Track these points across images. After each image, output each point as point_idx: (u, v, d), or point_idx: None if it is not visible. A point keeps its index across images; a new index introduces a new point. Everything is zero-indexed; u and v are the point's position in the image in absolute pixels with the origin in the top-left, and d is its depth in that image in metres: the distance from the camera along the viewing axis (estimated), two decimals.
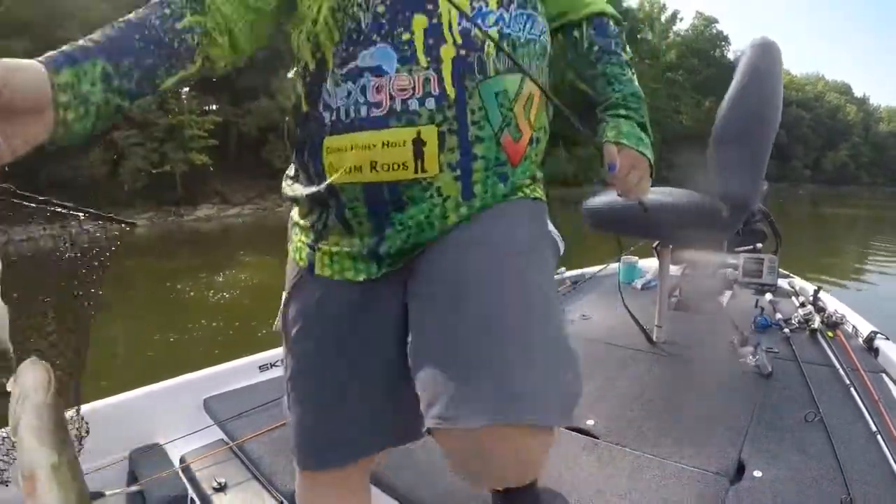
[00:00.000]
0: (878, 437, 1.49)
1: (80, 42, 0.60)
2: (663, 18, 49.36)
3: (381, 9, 0.70)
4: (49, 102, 0.54)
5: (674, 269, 2.54)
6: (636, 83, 0.87)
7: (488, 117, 0.72)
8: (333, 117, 0.74)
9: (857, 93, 76.58)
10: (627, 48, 0.90)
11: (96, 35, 0.61)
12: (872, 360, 2.02)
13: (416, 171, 0.71)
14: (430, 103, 0.69)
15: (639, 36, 47.39)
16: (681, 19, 51.48)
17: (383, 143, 0.70)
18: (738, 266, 2.94)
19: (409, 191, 0.73)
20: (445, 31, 0.69)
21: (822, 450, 1.47)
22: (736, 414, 1.66)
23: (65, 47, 0.58)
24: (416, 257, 0.78)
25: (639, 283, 3.09)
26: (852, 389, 1.74)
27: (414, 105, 0.69)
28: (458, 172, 0.72)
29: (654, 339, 2.29)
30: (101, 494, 1.21)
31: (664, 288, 2.30)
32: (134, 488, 1.24)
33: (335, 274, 0.81)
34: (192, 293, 8.10)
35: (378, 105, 0.70)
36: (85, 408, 1.45)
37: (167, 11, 0.66)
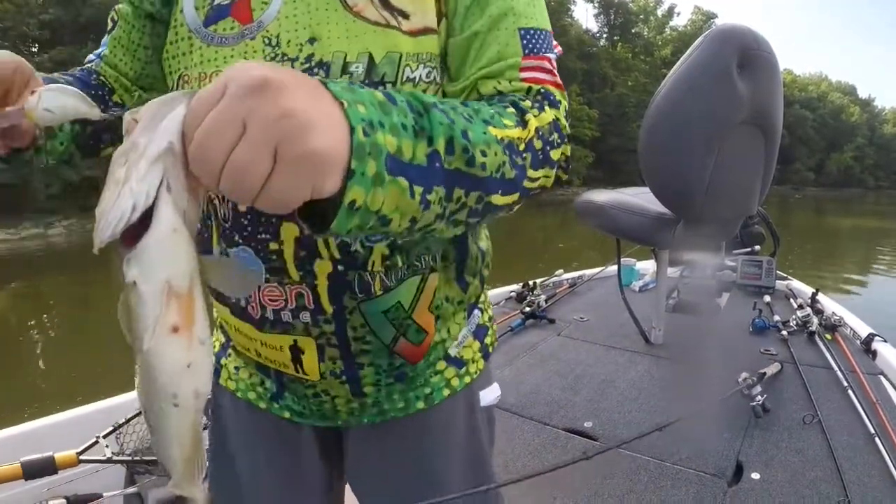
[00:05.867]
0: (876, 439, 1.49)
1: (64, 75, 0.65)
2: (659, 13, 49.40)
3: (242, 207, 0.57)
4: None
5: (672, 272, 2.55)
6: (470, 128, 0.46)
7: (375, 333, 0.62)
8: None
9: (863, 94, 76.47)
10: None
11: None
12: (870, 362, 2.02)
13: (296, 372, 0.64)
14: (305, 316, 0.60)
15: (633, 30, 47.43)
16: (678, 14, 51.25)
17: (262, 342, 0.64)
18: (736, 268, 2.95)
19: (293, 384, 0.67)
20: (320, 244, 0.57)
21: (820, 452, 1.47)
22: (734, 416, 1.66)
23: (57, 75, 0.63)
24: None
25: (636, 286, 3.10)
26: (850, 391, 1.74)
27: (287, 317, 0.60)
28: (344, 378, 0.64)
29: (652, 340, 2.29)
30: (98, 496, 1.21)
31: (662, 290, 2.30)
32: (132, 490, 1.25)
33: (239, 392, 0.73)
34: None
35: (250, 308, 0.62)
36: (83, 410, 1.47)
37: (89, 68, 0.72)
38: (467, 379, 0.71)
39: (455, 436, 0.72)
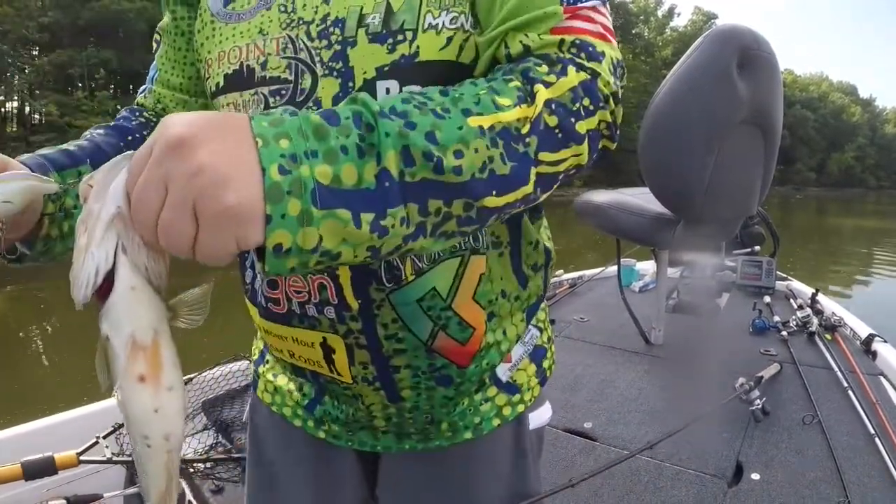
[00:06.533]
0: (876, 439, 1.49)
1: (66, 146, 0.55)
2: (660, 14, 49.42)
3: None
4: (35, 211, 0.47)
5: (671, 272, 2.55)
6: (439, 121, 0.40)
7: (409, 328, 0.55)
8: (248, 287, 0.65)
9: (863, 94, 76.34)
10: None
11: (82, 140, 0.58)
12: (870, 362, 2.02)
13: (331, 373, 0.60)
14: (330, 312, 0.55)
15: (633, 31, 47.39)
16: (678, 15, 51.28)
17: (293, 339, 0.60)
18: (736, 268, 2.95)
19: (331, 385, 0.62)
20: None
21: (820, 452, 1.47)
22: (733, 416, 1.66)
23: (44, 151, 0.54)
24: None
25: (636, 286, 3.10)
26: (850, 392, 1.74)
27: (312, 311, 0.56)
28: (378, 385, 0.58)
29: (652, 341, 2.29)
30: (99, 496, 1.21)
31: (662, 290, 2.30)
32: (132, 490, 1.25)
33: (274, 406, 0.70)
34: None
35: (276, 302, 0.58)
36: (83, 411, 1.47)
37: (142, 119, 0.67)
38: (521, 408, 0.64)
39: (501, 465, 0.66)
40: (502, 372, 0.63)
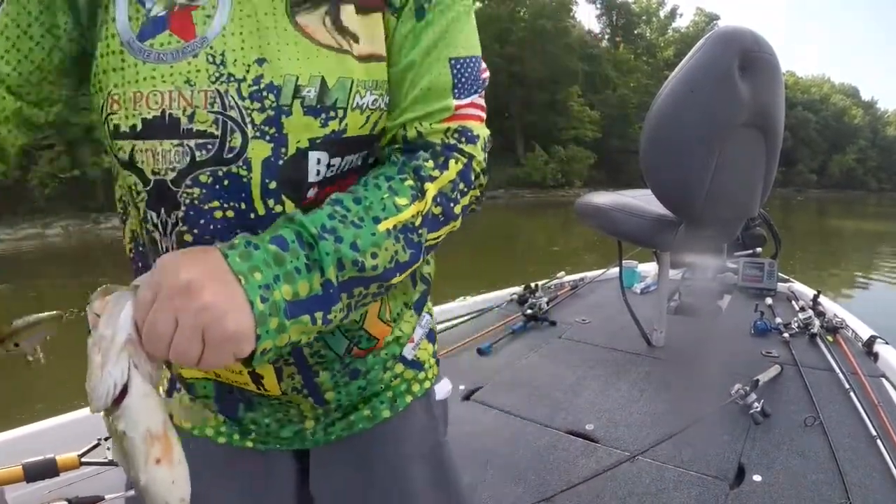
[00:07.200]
0: (878, 441, 1.49)
1: None
2: (662, 14, 49.48)
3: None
4: None
5: (673, 274, 2.54)
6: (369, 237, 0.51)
7: (330, 347, 0.62)
8: None
9: (865, 96, 76.27)
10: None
11: None
12: (872, 364, 2.02)
13: (258, 390, 0.64)
14: None
15: (635, 31, 47.46)
16: (680, 15, 51.46)
17: (216, 373, 0.64)
18: (738, 270, 2.94)
19: (257, 398, 0.66)
20: None
21: (822, 454, 1.47)
22: (735, 418, 1.66)
23: None
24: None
25: (638, 288, 3.10)
26: (852, 394, 1.74)
27: None
28: (305, 392, 0.64)
29: (654, 342, 2.29)
30: (100, 498, 1.21)
31: (663, 292, 2.30)
32: (133, 492, 1.25)
33: (196, 430, 0.69)
34: None
35: None
36: (84, 413, 1.47)
37: None
38: (427, 384, 0.74)
39: (418, 435, 0.73)
40: (408, 351, 0.72)
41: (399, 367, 0.71)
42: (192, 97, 0.51)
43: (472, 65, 0.60)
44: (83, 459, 1.18)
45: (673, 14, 50.20)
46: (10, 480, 1.10)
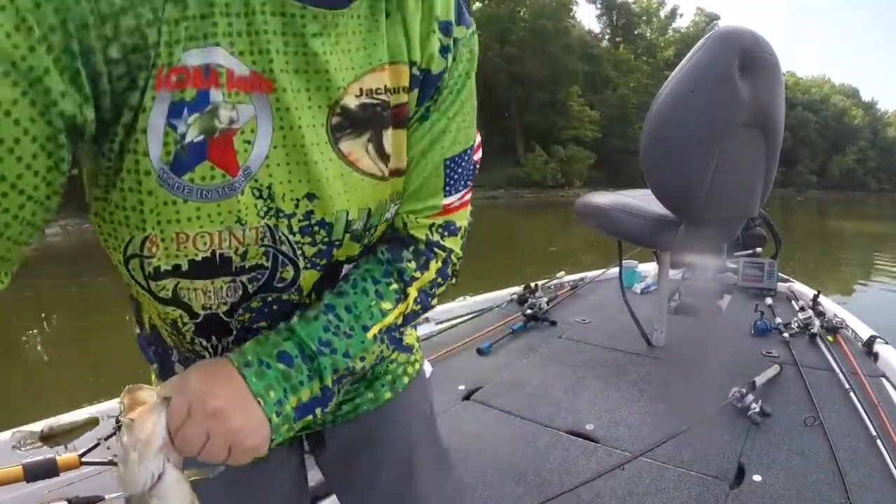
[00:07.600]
0: (878, 441, 1.49)
1: None
2: (662, 14, 49.48)
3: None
4: None
5: (673, 274, 2.55)
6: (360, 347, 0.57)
7: None
8: (165, 368, 0.69)
9: (865, 97, 76.19)
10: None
11: None
12: (872, 364, 2.02)
13: None
14: None
15: (635, 32, 47.47)
16: (681, 16, 51.47)
17: None
18: (738, 270, 2.95)
19: None
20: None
21: (822, 454, 1.47)
22: (735, 418, 1.66)
23: None
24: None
25: (638, 288, 3.10)
26: (852, 394, 1.74)
27: None
28: None
29: (654, 342, 2.29)
30: (101, 498, 1.21)
31: (663, 292, 2.30)
32: None
33: None
34: None
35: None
36: (85, 413, 1.47)
37: None
38: (417, 365, 0.80)
39: (419, 406, 0.79)
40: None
41: (394, 353, 0.75)
42: (244, 236, 0.50)
43: (464, 158, 0.62)
44: (83, 459, 1.18)
45: (673, 14, 50.25)
46: (9, 480, 1.09)
